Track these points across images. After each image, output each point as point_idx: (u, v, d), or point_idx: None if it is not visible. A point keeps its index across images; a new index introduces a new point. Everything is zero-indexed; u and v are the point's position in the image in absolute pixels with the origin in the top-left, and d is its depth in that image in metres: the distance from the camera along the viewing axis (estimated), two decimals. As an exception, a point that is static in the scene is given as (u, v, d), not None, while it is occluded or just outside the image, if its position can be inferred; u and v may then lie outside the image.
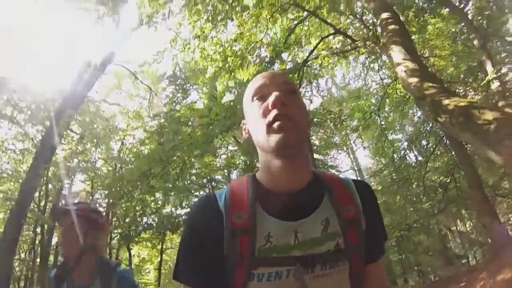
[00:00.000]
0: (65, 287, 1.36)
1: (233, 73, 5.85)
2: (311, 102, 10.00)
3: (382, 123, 10.20)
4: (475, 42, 5.65)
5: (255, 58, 7.20)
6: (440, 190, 9.79)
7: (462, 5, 6.43)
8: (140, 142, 11.37)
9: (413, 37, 7.03)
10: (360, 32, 7.90)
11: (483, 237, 10.66)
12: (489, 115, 3.17)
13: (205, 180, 13.10)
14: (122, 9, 5.18)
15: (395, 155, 11.01)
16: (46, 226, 10.49)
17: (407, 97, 8.70)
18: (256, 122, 0.75)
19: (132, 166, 9.68)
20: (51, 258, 11.58)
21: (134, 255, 15.26)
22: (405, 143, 12.32)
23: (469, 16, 6.44)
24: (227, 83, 6.44)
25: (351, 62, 9.58)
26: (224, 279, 0.69)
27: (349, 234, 0.70)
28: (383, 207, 9.88)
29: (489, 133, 3.06)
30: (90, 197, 13.19)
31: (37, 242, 11.65)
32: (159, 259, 14.69)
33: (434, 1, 6.39)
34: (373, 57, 8.63)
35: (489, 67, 5.21)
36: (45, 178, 9.96)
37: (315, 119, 10.84)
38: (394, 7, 6.04)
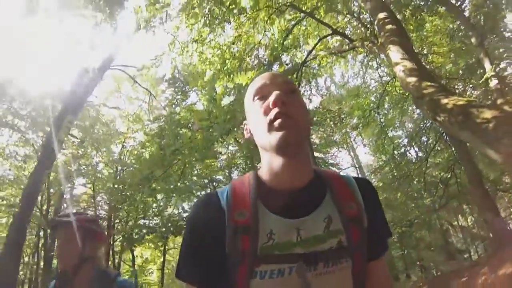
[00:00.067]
0: None
1: (231, 75, 5.86)
2: (310, 102, 10.00)
3: (382, 120, 10.20)
4: (473, 40, 5.65)
5: (253, 59, 7.21)
6: (441, 185, 9.79)
7: (458, 3, 6.43)
8: (141, 144, 11.39)
9: (410, 35, 7.05)
10: (358, 31, 7.90)
11: (485, 232, 10.69)
12: (487, 114, 3.18)
13: (206, 181, 13.13)
14: (120, 14, 5.19)
15: (395, 152, 11.00)
16: (49, 230, 10.52)
17: (406, 94, 8.70)
18: (257, 121, 0.76)
19: (133, 169, 9.71)
20: (55, 261, 11.63)
21: (137, 256, 15.29)
22: (405, 140, 12.31)
23: (466, 13, 6.44)
24: (226, 84, 6.45)
25: (350, 60, 9.59)
26: (226, 276, 0.68)
27: (351, 232, 0.70)
28: (385, 203, 9.89)
29: (488, 131, 3.07)
30: (92, 200, 13.22)
31: (40, 245, 11.70)
32: (162, 259, 14.74)
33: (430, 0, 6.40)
34: (371, 55, 8.63)
35: (487, 65, 5.21)
36: (46, 184, 9.99)
37: (314, 118, 10.86)
38: (391, 5, 6.05)
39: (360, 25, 7.54)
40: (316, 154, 12.38)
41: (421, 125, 10.42)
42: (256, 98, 0.78)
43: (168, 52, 6.29)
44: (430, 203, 10.64)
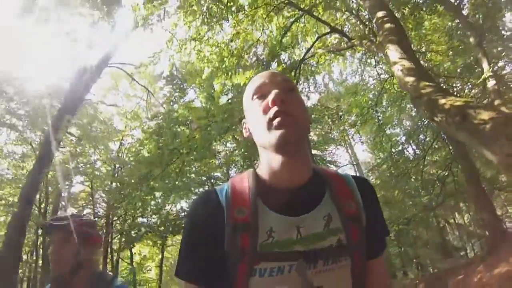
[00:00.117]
0: None
1: (230, 73, 5.84)
2: (308, 99, 10.01)
3: (380, 118, 10.21)
4: (471, 38, 5.65)
5: (251, 56, 7.18)
6: (438, 183, 9.82)
7: (457, 1, 6.42)
8: (139, 142, 11.37)
9: (409, 33, 7.04)
10: (356, 28, 7.88)
11: (481, 229, 10.77)
12: (484, 115, 3.18)
13: (204, 178, 13.15)
14: (117, 12, 5.16)
15: (393, 150, 11.04)
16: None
17: (404, 92, 8.71)
18: (256, 120, 0.75)
19: (131, 167, 9.69)
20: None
21: (135, 253, 15.33)
22: (403, 138, 12.36)
23: (465, 12, 6.44)
24: (225, 82, 6.43)
25: (348, 58, 9.56)
26: (226, 275, 0.68)
27: (350, 230, 0.70)
28: (382, 201, 9.92)
29: (485, 132, 3.08)
30: (90, 198, 13.22)
31: (38, 244, 11.71)
32: (160, 256, 14.79)
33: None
34: (370, 53, 8.62)
35: (485, 65, 5.22)
36: (44, 182, 9.98)
37: (312, 116, 10.86)
38: (390, 3, 6.03)
39: (358, 22, 7.52)
40: (314, 151, 12.41)
41: (419, 123, 10.44)
42: (255, 96, 0.78)
43: (166, 50, 6.25)
44: (427, 201, 10.67)
